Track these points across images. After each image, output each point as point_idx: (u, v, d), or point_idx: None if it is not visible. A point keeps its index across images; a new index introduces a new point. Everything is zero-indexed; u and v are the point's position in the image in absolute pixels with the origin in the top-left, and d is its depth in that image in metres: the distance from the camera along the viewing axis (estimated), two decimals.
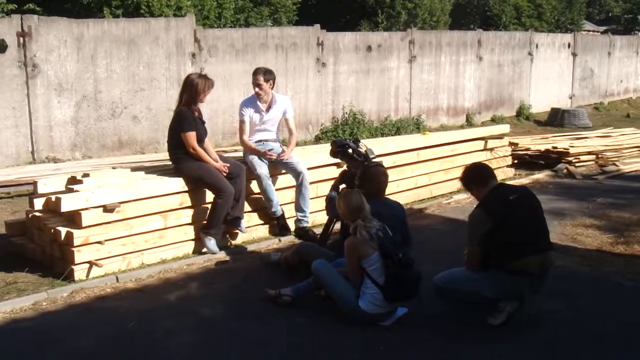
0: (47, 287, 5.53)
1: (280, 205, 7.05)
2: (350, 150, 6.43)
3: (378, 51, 14.93)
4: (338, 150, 6.56)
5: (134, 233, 6.07)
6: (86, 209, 5.71)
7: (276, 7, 20.12)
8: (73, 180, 6.18)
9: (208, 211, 6.45)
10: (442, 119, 16.67)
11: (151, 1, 14.21)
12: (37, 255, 6.16)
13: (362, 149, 6.41)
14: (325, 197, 6.35)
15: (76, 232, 5.65)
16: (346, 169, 6.54)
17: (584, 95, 21.77)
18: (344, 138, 9.04)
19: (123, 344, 4.60)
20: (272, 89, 7.13)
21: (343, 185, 6.14)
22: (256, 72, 7.05)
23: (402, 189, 8.44)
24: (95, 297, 5.43)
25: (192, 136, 6.34)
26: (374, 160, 6.34)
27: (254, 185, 6.97)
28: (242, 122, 7.10)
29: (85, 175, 6.34)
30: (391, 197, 5.90)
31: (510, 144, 10.74)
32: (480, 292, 4.75)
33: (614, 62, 23.32)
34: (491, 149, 9.86)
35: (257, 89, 7.02)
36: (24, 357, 4.46)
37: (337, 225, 6.19)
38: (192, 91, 6.40)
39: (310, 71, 13.63)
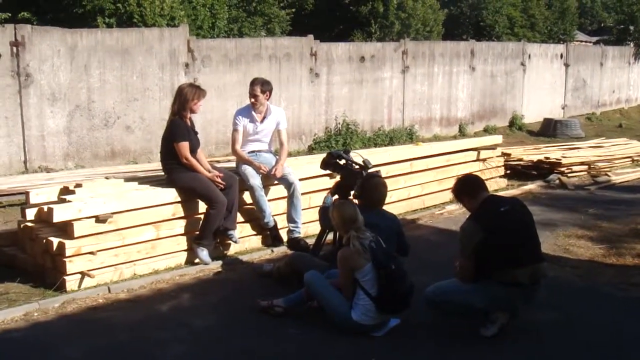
0: (38, 298, 5.50)
1: (273, 215, 7.05)
2: (342, 162, 6.42)
3: (371, 61, 14.98)
4: (331, 161, 6.54)
5: (127, 243, 6.05)
6: (78, 219, 5.69)
7: (270, 18, 20.18)
8: (65, 191, 6.18)
9: (201, 222, 6.45)
10: (435, 129, 16.71)
11: (144, 11, 14.22)
12: (29, 266, 6.13)
13: (360, 159, 6.40)
14: (318, 208, 6.35)
15: (68, 243, 5.63)
16: (339, 179, 6.54)
17: (576, 106, 21.88)
18: (337, 150, 9.05)
19: (114, 355, 4.58)
20: (267, 100, 7.15)
21: (336, 196, 6.14)
22: (253, 83, 7.06)
23: (394, 199, 8.44)
24: (87, 307, 5.42)
25: (184, 146, 6.34)
26: (371, 170, 6.34)
27: (247, 196, 6.96)
28: (235, 131, 7.11)
29: (78, 185, 6.34)
30: (384, 208, 5.91)
31: (503, 154, 10.76)
32: (472, 304, 4.76)
33: (606, 73, 23.46)
34: (484, 160, 9.88)
35: (253, 100, 7.03)
36: None
37: (330, 236, 6.20)
38: (182, 99, 6.41)
39: (303, 81, 13.66)
